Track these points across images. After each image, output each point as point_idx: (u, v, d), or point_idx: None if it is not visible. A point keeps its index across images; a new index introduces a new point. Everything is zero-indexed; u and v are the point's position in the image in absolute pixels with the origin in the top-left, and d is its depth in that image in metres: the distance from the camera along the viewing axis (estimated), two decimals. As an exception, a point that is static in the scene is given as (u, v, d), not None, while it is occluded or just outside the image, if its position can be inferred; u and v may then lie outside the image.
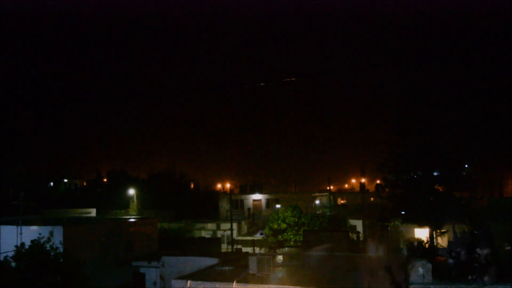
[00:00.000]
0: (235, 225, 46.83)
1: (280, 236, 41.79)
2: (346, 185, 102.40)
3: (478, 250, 16.52)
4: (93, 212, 45.15)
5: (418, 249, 31.28)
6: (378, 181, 71.17)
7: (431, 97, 36.12)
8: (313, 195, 68.26)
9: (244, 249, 39.39)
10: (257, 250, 40.09)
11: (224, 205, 60.95)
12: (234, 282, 16.31)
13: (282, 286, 15.77)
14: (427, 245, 34.49)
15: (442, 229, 35.29)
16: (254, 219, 56.57)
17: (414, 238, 37.57)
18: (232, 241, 41.72)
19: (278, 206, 54.55)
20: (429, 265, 14.46)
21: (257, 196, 63.36)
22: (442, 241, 35.97)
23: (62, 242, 19.72)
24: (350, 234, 34.37)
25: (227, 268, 19.50)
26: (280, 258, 22.70)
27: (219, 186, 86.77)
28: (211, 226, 50.86)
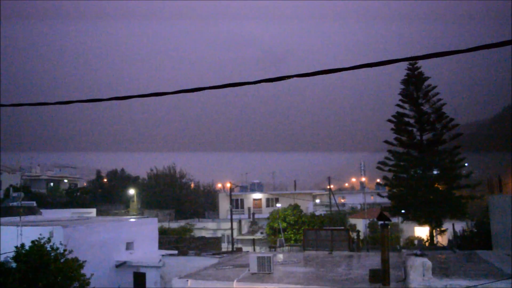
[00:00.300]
0: (235, 224, 46.83)
1: (280, 235, 41.82)
2: (346, 184, 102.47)
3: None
4: (93, 212, 45.16)
5: (418, 247, 31.36)
6: (378, 180, 71.27)
7: (430, 95, 36.18)
8: (314, 194, 68.30)
9: (245, 248, 39.44)
10: (257, 249, 40.15)
11: (224, 205, 60.95)
12: (235, 281, 16.32)
13: (282, 285, 15.79)
14: (427, 243, 34.65)
15: (442, 227, 35.35)
16: (254, 218, 56.56)
17: (414, 236, 37.66)
18: (232, 240, 41.75)
19: (278, 205, 54.57)
20: (429, 263, 14.47)
21: (257, 195, 63.33)
22: (442, 239, 36.05)
23: (62, 242, 19.71)
24: (350, 233, 34.42)
25: (227, 267, 19.52)
26: (280, 257, 22.73)
27: (219, 185, 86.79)
28: (211, 225, 50.88)
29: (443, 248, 32.17)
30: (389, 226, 16.40)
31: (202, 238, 42.56)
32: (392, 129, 37.04)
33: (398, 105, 37.29)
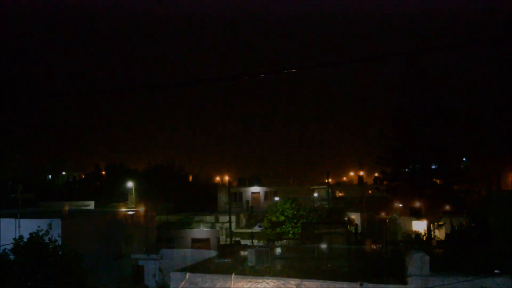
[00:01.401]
0: (233, 218, 46.90)
1: (278, 229, 41.88)
2: (345, 178, 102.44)
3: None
4: (91, 205, 45.15)
5: (416, 242, 31.48)
6: (376, 174, 71.23)
7: (430, 90, 36.12)
8: (312, 188, 68.30)
9: (243, 242, 39.49)
10: (255, 242, 40.22)
11: (223, 198, 60.97)
12: (233, 274, 16.37)
13: (280, 278, 15.84)
14: (424, 238, 34.75)
15: (440, 222, 35.45)
16: (252, 211, 56.64)
17: (412, 230, 37.74)
18: (230, 234, 41.82)
19: (276, 198, 54.62)
20: (427, 257, 14.53)
21: (255, 189, 63.34)
22: (440, 234, 36.16)
23: (60, 235, 19.72)
24: (348, 227, 34.50)
25: (225, 260, 19.57)
26: (278, 250, 22.79)
27: (217, 178, 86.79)
28: (209, 218, 50.95)
29: (442, 242, 32.31)
30: (387, 221, 16.43)
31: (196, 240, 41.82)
32: (391, 122, 36.97)
33: (397, 98, 37.21)
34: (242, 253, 20.61)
